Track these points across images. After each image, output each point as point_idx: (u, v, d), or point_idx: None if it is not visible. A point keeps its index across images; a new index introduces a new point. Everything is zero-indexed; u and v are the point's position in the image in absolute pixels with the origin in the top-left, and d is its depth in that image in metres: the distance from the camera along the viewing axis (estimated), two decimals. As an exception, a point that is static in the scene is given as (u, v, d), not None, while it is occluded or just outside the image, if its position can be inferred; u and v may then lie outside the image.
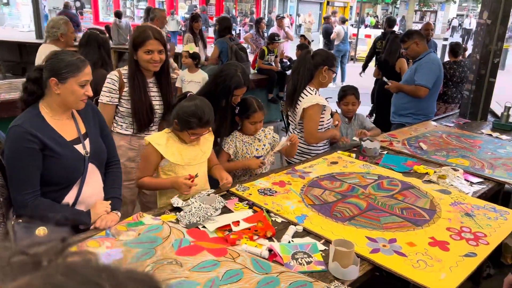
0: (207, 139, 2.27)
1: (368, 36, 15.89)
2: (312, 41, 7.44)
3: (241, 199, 2.18)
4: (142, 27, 2.45)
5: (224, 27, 6.14)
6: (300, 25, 24.34)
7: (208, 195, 2.06)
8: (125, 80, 2.43)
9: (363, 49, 15.36)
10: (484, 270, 2.92)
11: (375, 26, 25.95)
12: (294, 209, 2.09)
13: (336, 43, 10.33)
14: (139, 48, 2.35)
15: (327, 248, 1.74)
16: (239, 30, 17.87)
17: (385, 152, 3.04)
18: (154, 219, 1.90)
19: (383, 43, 6.13)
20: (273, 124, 3.78)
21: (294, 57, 6.79)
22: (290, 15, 25.48)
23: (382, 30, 6.06)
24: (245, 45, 7.36)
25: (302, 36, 7.33)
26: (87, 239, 1.70)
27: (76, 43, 3.69)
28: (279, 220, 1.99)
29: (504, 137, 3.61)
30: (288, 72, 6.62)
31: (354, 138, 3.17)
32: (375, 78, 5.80)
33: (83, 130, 1.84)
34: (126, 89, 2.44)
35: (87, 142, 1.83)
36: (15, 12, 19.51)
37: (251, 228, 1.86)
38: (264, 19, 9.47)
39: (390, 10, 37.36)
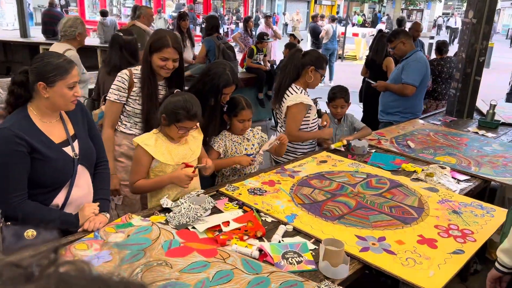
0: (196, 138, 2.26)
1: (355, 34, 15.98)
2: (302, 40, 7.45)
3: (231, 199, 2.17)
4: (162, 33, 2.38)
5: (212, 25, 6.11)
6: (286, 24, 24.35)
7: (198, 195, 2.05)
8: (135, 80, 2.41)
9: (351, 48, 15.47)
10: (471, 266, 2.97)
11: (362, 25, 26.12)
12: (284, 208, 2.10)
13: (324, 41, 10.36)
14: (154, 53, 2.31)
15: (317, 247, 1.75)
16: (227, 28, 17.82)
17: (373, 151, 3.06)
18: (143, 220, 1.88)
19: None
20: (261, 124, 3.78)
21: (281, 56, 6.79)
22: (275, 13, 25.49)
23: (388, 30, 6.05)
24: (233, 44, 7.35)
25: (292, 35, 7.34)
26: (76, 241, 1.68)
27: None
28: (269, 219, 1.99)
29: (489, 134, 3.67)
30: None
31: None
32: (363, 77, 5.84)
33: (71, 131, 1.82)
34: (135, 88, 2.41)
35: (76, 144, 1.80)
36: (-1, 10, 19.18)
37: (241, 228, 1.86)
38: (252, 18, 9.45)
39: (377, 8, 37.63)
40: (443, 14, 37.43)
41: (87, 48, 6.83)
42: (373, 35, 12.96)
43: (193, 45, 6.33)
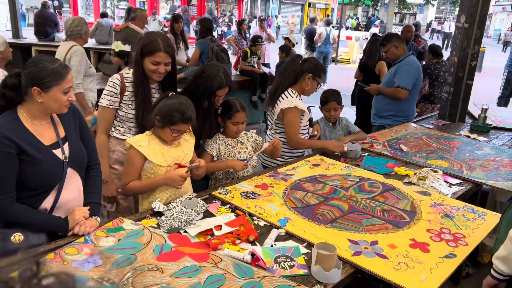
0: (188, 141, 2.25)
1: (349, 38, 16.05)
2: (296, 43, 7.49)
3: (224, 203, 2.16)
4: (153, 36, 2.31)
5: (205, 28, 6.11)
6: (279, 26, 24.38)
7: (190, 199, 2.04)
8: (127, 84, 2.37)
9: (344, 51, 15.53)
10: (463, 269, 2.98)
11: (356, 28, 26.26)
12: (276, 212, 2.09)
13: (318, 44, 10.39)
14: (146, 57, 2.26)
15: (309, 251, 1.74)
16: (221, 31, 17.82)
17: (366, 154, 3.07)
18: (134, 224, 1.87)
19: None
20: (255, 127, 3.77)
21: (275, 59, 6.80)
22: (269, 16, 25.55)
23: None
24: (226, 46, 7.35)
25: (287, 38, 7.36)
26: (66, 245, 1.66)
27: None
28: (261, 223, 1.99)
29: (481, 138, 3.69)
30: (266, 70, 6.65)
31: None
32: (355, 80, 5.86)
33: (62, 134, 1.79)
34: (127, 93, 2.37)
35: (66, 146, 1.78)
36: (-9, 11, 19.03)
37: (233, 232, 1.85)
38: (245, 20, 9.45)
39: (370, 12, 37.86)
40: (435, 18, 37.74)
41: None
42: (366, 38, 13.03)
43: (186, 48, 6.31)
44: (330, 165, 2.79)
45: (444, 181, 2.64)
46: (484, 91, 9.01)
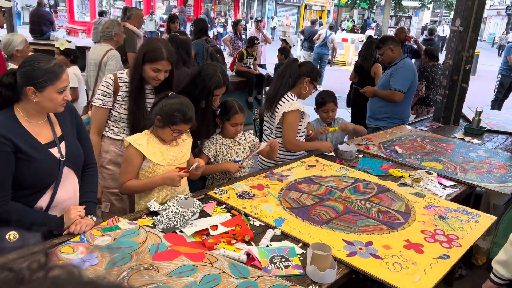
0: (186, 141, 2.25)
1: (345, 40, 16.10)
2: (293, 45, 7.53)
3: (219, 203, 2.17)
4: (156, 43, 2.30)
5: (200, 28, 6.10)
6: (274, 28, 24.41)
7: (186, 198, 2.04)
8: (120, 84, 2.36)
9: (340, 53, 15.57)
10: (456, 271, 3.00)
11: (352, 30, 26.34)
12: (272, 212, 2.10)
13: (316, 45, 10.48)
14: (147, 63, 2.25)
15: (305, 251, 1.75)
16: (217, 32, 17.81)
17: (361, 156, 3.09)
18: (130, 223, 1.87)
19: None
20: (250, 127, 3.77)
21: (271, 60, 6.82)
22: (263, 18, 25.56)
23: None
24: (222, 47, 7.35)
25: (284, 40, 7.40)
26: (61, 244, 1.66)
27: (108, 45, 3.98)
28: (257, 223, 1.99)
29: (475, 141, 3.72)
30: (262, 71, 6.66)
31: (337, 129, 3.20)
32: (350, 82, 5.88)
33: (59, 133, 1.79)
34: (120, 93, 2.36)
35: (62, 145, 1.78)
36: (-14, 9, 18.88)
37: (229, 232, 1.85)
38: (241, 21, 9.46)
39: (366, 14, 38.02)
40: (430, 21, 37.96)
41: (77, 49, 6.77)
42: (362, 41, 13.08)
43: (183, 48, 6.30)
44: (326, 166, 2.80)
45: (438, 183, 2.66)
46: (478, 94, 9.08)
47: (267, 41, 9.08)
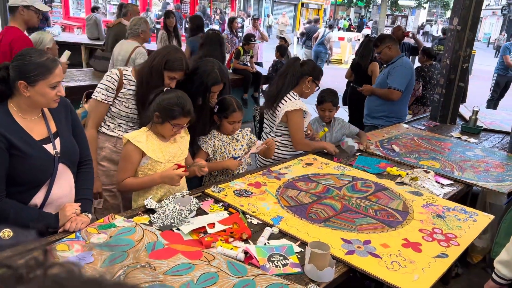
0: (184, 137, 2.24)
1: (341, 38, 16.10)
2: (291, 43, 7.55)
3: (217, 201, 2.15)
4: (178, 53, 2.35)
5: (196, 25, 6.07)
6: (270, 26, 24.36)
7: (183, 196, 2.02)
8: (124, 82, 2.35)
9: (336, 52, 15.57)
10: (453, 269, 3.00)
11: (348, 29, 26.37)
12: (270, 210, 2.08)
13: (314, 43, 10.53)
14: (166, 71, 2.28)
15: (303, 250, 1.74)
16: (213, 30, 17.73)
17: (359, 154, 3.08)
18: (126, 221, 1.85)
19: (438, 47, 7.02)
20: (249, 125, 3.76)
21: (268, 58, 6.80)
22: (259, 16, 25.51)
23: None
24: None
25: (283, 38, 7.40)
26: (56, 242, 1.63)
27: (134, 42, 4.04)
28: (255, 221, 1.98)
29: (472, 140, 3.73)
30: (259, 69, 6.65)
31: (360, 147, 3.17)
32: (347, 80, 5.87)
33: (53, 129, 1.76)
34: (123, 90, 2.35)
35: (57, 141, 1.75)
36: (-21, 5, 18.70)
37: (226, 230, 1.83)
38: (236, 18, 9.43)
39: (362, 13, 38.07)
40: (426, 21, 38.10)
41: (70, 45, 6.73)
42: (358, 39, 13.10)
43: (179, 45, 6.28)
44: (323, 165, 2.79)
45: (436, 181, 2.66)
46: (474, 93, 9.10)
47: (264, 39, 9.06)
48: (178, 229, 1.82)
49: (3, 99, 1.65)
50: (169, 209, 1.88)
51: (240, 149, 2.61)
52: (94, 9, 9.22)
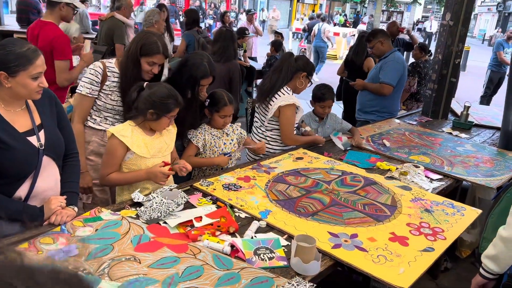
0: (170, 131, 2.22)
1: (336, 34, 16.08)
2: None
3: (205, 194, 2.14)
4: (152, 37, 2.29)
5: (192, 19, 6.04)
6: (264, 21, 24.27)
7: (171, 190, 2.01)
8: (108, 74, 2.32)
9: (331, 47, 15.53)
10: (441, 264, 3.02)
11: (344, 25, 26.33)
12: (258, 204, 2.08)
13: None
14: (143, 56, 2.24)
15: (289, 243, 1.74)
16: (208, 24, 17.68)
17: (349, 149, 3.08)
18: (113, 214, 1.84)
19: None
20: (240, 120, 3.75)
21: (261, 53, 6.78)
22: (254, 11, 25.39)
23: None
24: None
25: (280, 34, 7.40)
26: (41, 235, 1.62)
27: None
28: (242, 215, 1.97)
29: (463, 135, 3.74)
30: (253, 64, 6.63)
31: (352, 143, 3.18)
32: (339, 76, 5.86)
33: (38, 121, 1.74)
34: (108, 82, 2.32)
35: (41, 133, 1.73)
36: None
37: (213, 224, 1.83)
38: (229, 13, 9.38)
39: (358, 9, 38.03)
40: (422, 17, 38.14)
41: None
42: (353, 35, 13.09)
43: (172, 39, 6.23)
44: (313, 159, 2.79)
45: (425, 176, 2.66)
46: (467, 89, 9.14)
47: (258, 33, 9.02)
48: (165, 222, 1.81)
49: None
50: (156, 203, 1.87)
51: (230, 143, 2.60)
52: (83, 1, 9.11)
